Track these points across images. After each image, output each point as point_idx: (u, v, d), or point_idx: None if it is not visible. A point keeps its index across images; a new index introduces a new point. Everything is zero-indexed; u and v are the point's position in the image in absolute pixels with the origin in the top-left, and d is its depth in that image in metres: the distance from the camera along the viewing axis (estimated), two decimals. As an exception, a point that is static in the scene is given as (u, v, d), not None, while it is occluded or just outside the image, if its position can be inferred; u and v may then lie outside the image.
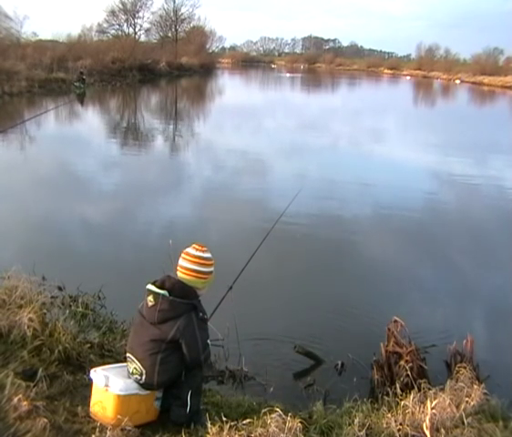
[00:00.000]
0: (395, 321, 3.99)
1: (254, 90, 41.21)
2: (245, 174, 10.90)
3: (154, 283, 2.80)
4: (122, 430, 2.58)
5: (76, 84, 26.05)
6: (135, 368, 2.75)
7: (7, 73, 21.85)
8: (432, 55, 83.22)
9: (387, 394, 3.43)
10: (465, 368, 3.49)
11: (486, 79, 57.28)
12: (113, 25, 52.67)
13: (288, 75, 64.10)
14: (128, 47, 38.45)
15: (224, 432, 2.59)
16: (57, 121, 17.76)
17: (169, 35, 59.56)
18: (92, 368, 2.85)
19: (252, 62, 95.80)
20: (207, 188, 9.66)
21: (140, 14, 54.82)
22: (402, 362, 3.68)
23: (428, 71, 73.37)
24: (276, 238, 4.95)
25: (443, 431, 2.77)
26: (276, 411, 2.77)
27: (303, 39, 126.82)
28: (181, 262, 2.87)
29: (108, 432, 2.55)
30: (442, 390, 3.15)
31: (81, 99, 23.95)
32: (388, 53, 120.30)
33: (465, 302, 5.55)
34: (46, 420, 2.56)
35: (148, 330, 2.72)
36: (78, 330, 3.98)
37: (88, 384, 2.90)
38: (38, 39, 32.27)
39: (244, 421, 2.72)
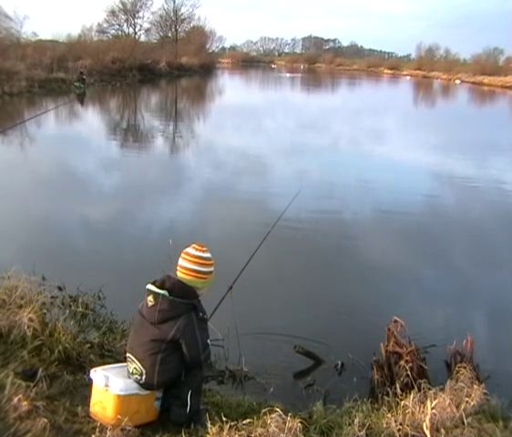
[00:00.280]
0: (395, 321, 3.99)
1: (254, 90, 41.20)
2: (245, 174, 10.90)
3: (154, 283, 2.80)
4: (122, 430, 2.58)
5: (76, 84, 26.06)
6: (135, 368, 2.75)
7: (7, 73, 21.83)
8: (432, 56, 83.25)
9: (387, 394, 3.43)
10: (465, 368, 3.49)
11: (486, 79, 57.26)
12: (113, 25, 52.76)
13: (288, 75, 64.09)
14: (128, 47, 38.44)
15: (224, 432, 2.59)
16: (57, 121, 17.74)
17: (169, 35, 59.58)
18: (92, 368, 2.85)
19: (252, 62, 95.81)
20: (207, 188, 9.65)
21: (140, 14, 54.98)
22: (402, 362, 3.68)
23: (428, 71, 73.36)
24: (276, 238, 4.95)
25: (443, 431, 2.77)
26: (276, 411, 2.77)
27: (303, 39, 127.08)
28: (181, 262, 2.87)
29: (108, 432, 2.55)
30: (442, 390, 3.15)
31: (81, 99, 23.94)
32: (388, 53, 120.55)
33: (465, 302, 5.54)
34: (46, 420, 2.56)
35: (148, 330, 2.72)
36: (78, 330, 3.99)
37: (88, 384, 2.90)
38: (38, 39, 32.27)
39: (244, 421, 2.72)
